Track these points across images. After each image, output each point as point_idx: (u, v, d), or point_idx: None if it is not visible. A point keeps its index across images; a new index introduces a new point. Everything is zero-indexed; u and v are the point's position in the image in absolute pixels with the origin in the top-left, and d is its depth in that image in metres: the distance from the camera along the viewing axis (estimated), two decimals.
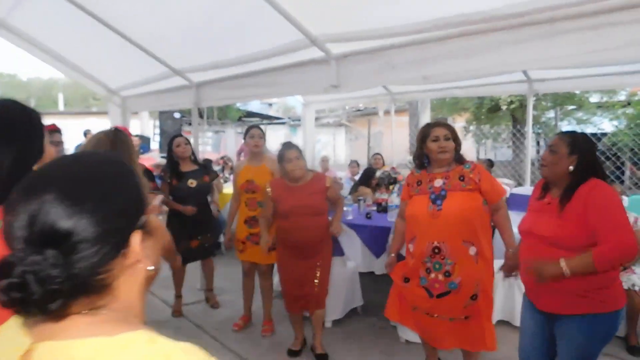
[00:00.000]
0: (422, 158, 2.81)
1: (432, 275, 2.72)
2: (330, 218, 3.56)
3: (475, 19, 2.50)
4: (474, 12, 2.48)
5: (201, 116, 20.33)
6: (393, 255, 3.07)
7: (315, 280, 3.47)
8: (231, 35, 3.73)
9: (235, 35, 3.71)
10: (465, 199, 2.64)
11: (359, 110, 20.81)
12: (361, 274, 4.46)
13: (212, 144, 18.08)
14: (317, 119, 23.63)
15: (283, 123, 21.81)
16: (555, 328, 2.23)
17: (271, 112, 25.95)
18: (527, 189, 5.97)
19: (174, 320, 4.35)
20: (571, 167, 2.18)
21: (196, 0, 3.46)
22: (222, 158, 9.17)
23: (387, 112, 10.40)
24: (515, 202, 4.84)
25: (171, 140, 4.45)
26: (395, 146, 8.14)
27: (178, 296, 4.54)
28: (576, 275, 2.00)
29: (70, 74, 5.93)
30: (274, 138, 20.61)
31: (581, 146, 2.21)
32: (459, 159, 2.77)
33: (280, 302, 3.96)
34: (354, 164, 7.69)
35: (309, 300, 3.51)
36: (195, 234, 4.38)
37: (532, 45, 2.54)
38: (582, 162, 2.18)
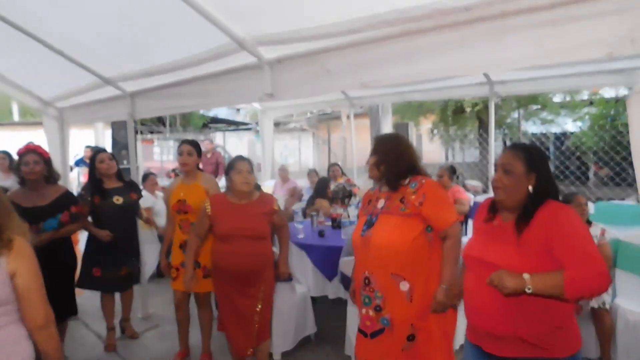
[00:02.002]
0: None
1: (364, 311, 2.39)
2: (275, 248, 3.20)
3: (414, 14, 2.15)
4: (413, 7, 2.13)
5: (163, 124, 19.73)
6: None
7: (255, 317, 3.07)
8: (154, 39, 3.33)
9: (158, 39, 3.31)
10: (398, 226, 2.27)
11: (326, 114, 20.53)
12: (313, 299, 4.09)
13: (174, 152, 17.45)
14: (284, 123, 23.36)
15: (249, 129, 21.30)
16: None
17: (238, 118, 25.43)
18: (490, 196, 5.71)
19: (104, 357, 3.87)
20: (530, 188, 1.85)
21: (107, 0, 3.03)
22: (173, 171, 8.65)
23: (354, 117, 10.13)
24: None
25: (94, 155, 3.99)
26: (358, 152, 7.82)
27: (110, 328, 4.08)
28: (539, 295, 1.68)
29: None
30: (239, 144, 20.17)
31: (538, 161, 1.88)
32: (401, 175, 2.37)
33: (222, 336, 3.53)
34: (313, 173, 7.32)
35: (251, 336, 3.12)
36: (125, 260, 3.93)
37: (482, 46, 2.21)
38: (541, 181, 1.86)
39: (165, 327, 4.34)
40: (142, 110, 4.47)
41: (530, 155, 1.88)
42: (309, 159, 21.08)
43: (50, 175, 3.46)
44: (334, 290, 4.02)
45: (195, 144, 3.65)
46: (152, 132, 19.01)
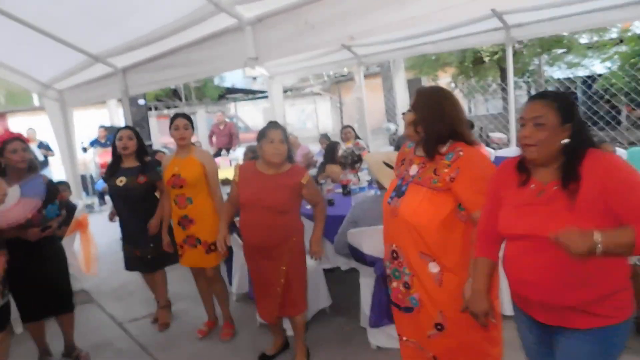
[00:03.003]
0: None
1: (394, 284, 2.17)
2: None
3: None
4: None
5: (179, 98, 19.60)
6: None
7: (278, 288, 2.94)
8: (130, 8, 3.08)
9: (133, 8, 3.07)
10: (428, 200, 1.96)
11: (342, 76, 20.00)
12: (326, 271, 3.91)
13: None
14: (300, 89, 22.95)
15: (266, 97, 21.00)
16: (557, 343, 1.67)
17: (255, 86, 25.08)
18: (512, 150, 5.36)
19: (118, 343, 3.82)
20: (566, 140, 1.57)
21: None
22: (157, 152, 8.45)
23: (365, 77, 9.74)
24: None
25: (116, 132, 3.81)
26: (371, 113, 7.51)
27: (161, 307, 4.01)
28: (607, 255, 1.43)
29: None
30: (256, 113, 19.93)
31: (572, 109, 1.59)
32: (441, 140, 1.99)
33: (244, 305, 3.67)
34: (324, 137, 7.06)
35: (281, 305, 3.00)
36: (136, 243, 3.78)
37: None
38: (578, 131, 1.58)
39: (178, 304, 4.25)
40: (135, 86, 4.27)
41: (563, 103, 1.58)
42: (327, 123, 20.74)
43: (32, 164, 3.31)
44: (346, 261, 3.83)
45: (189, 117, 3.45)
46: (168, 108, 18.93)
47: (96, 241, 4.77)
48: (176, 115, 3.43)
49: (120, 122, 11.35)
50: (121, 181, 3.66)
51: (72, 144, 6.03)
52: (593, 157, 1.55)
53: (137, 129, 3.84)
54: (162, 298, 4.02)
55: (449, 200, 1.96)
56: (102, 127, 10.50)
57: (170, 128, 3.40)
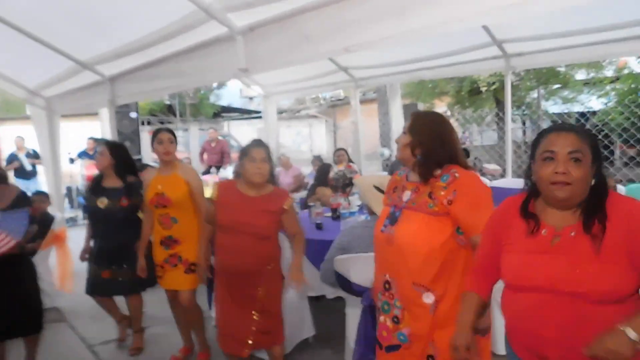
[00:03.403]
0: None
1: (382, 318, 2.02)
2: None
3: None
4: None
5: (173, 114, 19.48)
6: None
7: (254, 317, 2.72)
8: (118, 14, 2.98)
9: (122, 14, 2.98)
10: (424, 226, 1.84)
11: (339, 100, 20.05)
12: (311, 299, 3.70)
13: (183, 142, 17.20)
14: (295, 111, 22.94)
15: (261, 117, 20.95)
16: None
17: (252, 106, 25.07)
18: (508, 182, 5.23)
19: None
20: (593, 180, 1.41)
21: None
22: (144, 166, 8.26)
23: (361, 103, 9.67)
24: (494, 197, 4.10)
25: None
26: (367, 138, 7.39)
27: (120, 321, 3.83)
28: None
29: None
30: (251, 133, 19.84)
31: (597, 145, 1.44)
32: (434, 165, 1.89)
33: None
34: (317, 159, 6.92)
35: (255, 336, 2.77)
36: (108, 263, 3.52)
37: None
38: (601, 171, 1.43)
39: (154, 328, 4.00)
40: (123, 95, 4.11)
41: (594, 140, 1.43)
42: (322, 146, 20.68)
43: (2, 174, 3.12)
44: (332, 289, 3.63)
45: (172, 132, 3.28)
46: (162, 123, 18.78)
47: (74, 256, 4.51)
48: (159, 130, 3.25)
49: (108, 134, 11.18)
50: (102, 202, 3.43)
51: (57, 153, 5.82)
52: (613, 200, 1.40)
53: (127, 143, 3.66)
54: (136, 322, 3.75)
55: (447, 225, 1.85)
56: (91, 138, 10.30)
57: (152, 142, 3.22)
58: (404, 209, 1.93)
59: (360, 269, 2.86)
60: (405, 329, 1.92)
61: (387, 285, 1.96)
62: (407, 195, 1.96)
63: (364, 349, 2.91)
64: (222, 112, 21.67)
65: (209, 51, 2.84)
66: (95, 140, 10.34)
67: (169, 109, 19.36)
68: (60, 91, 5.23)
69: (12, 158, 9.81)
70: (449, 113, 12.41)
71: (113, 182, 3.47)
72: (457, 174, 1.86)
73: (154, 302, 3.84)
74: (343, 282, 2.98)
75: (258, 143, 2.73)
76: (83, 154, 10.04)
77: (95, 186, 3.51)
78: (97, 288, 3.61)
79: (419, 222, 1.86)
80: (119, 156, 3.47)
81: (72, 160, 9.97)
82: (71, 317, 4.50)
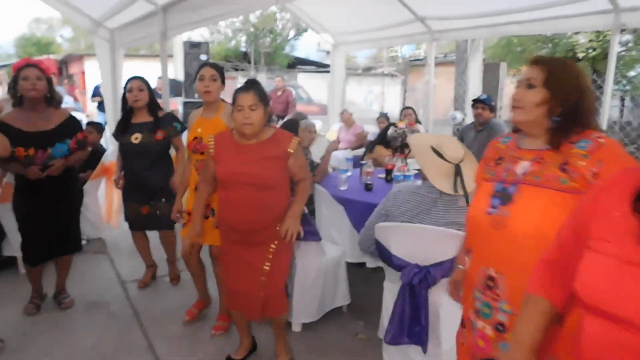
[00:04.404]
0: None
1: (479, 323, 1.59)
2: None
3: None
4: None
5: (248, 61, 19.45)
6: (461, 267, 1.82)
7: (263, 278, 2.44)
8: None
9: None
10: (555, 206, 1.40)
11: (417, 59, 19.06)
12: (350, 266, 3.38)
13: None
14: (372, 68, 22.24)
15: None
16: None
17: (327, 60, 24.60)
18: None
19: (114, 303, 3.49)
20: None
21: None
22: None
23: (440, 64, 8.90)
24: None
25: (126, 82, 3.43)
26: (440, 101, 6.78)
27: (149, 266, 3.82)
28: None
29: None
30: (322, 86, 19.46)
31: None
32: (567, 128, 1.46)
33: None
34: (383, 117, 6.45)
35: (256, 303, 2.51)
36: (146, 199, 3.47)
37: None
38: None
39: (184, 273, 3.87)
40: (172, 27, 3.87)
41: None
42: (395, 107, 19.94)
43: (52, 97, 3.05)
44: (372, 258, 3.28)
45: (220, 68, 2.97)
46: (236, 69, 18.82)
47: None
48: (203, 64, 2.94)
49: (180, 75, 11.19)
50: (136, 138, 3.31)
51: (118, 86, 5.78)
52: None
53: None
54: (171, 254, 3.79)
55: None
56: (160, 78, 10.36)
57: (195, 79, 2.93)
58: (520, 184, 1.48)
59: (403, 240, 2.48)
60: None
61: (490, 283, 1.53)
62: (523, 166, 1.51)
63: (397, 331, 2.56)
64: (297, 64, 21.39)
65: None
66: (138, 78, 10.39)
67: (244, 56, 19.34)
68: (121, 22, 5.11)
69: (97, 91, 10.09)
70: None
71: (144, 117, 3.35)
72: (601, 140, 1.41)
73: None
74: (383, 252, 2.61)
75: (246, 87, 2.31)
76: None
77: (125, 124, 3.39)
78: (137, 223, 3.60)
79: (545, 200, 1.42)
80: (151, 92, 3.40)
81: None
82: (112, 251, 4.51)
